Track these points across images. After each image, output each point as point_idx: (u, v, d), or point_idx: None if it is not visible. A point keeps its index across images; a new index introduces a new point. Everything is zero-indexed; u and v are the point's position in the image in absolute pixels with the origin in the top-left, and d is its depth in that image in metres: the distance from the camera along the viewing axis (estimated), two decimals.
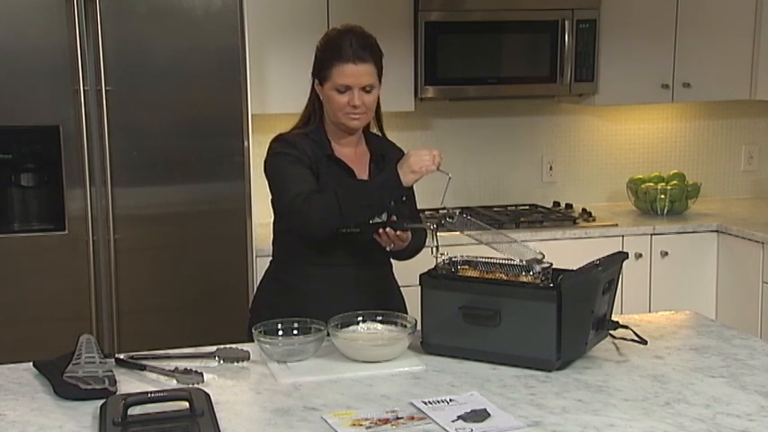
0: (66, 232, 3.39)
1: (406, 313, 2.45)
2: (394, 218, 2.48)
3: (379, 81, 2.53)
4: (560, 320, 2.09)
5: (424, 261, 2.39)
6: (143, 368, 2.14)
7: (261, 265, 3.18)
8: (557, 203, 4.43)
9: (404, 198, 2.56)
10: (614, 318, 2.28)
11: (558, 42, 4.03)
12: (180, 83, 3.43)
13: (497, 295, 2.15)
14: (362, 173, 2.56)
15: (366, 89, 2.47)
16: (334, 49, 2.47)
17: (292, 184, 2.45)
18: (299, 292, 2.53)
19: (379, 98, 2.57)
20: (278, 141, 2.55)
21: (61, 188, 3.37)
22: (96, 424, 1.83)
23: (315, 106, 2.56)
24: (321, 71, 2.50)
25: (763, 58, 4.28)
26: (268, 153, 2.54)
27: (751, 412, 1.87)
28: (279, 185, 2.49)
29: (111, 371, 2.06)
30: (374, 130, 2.69)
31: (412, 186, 2.57)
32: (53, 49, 3.30)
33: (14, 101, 3.30)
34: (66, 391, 1.98)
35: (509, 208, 4.38)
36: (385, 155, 2.60)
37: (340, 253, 2.51)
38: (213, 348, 2.25)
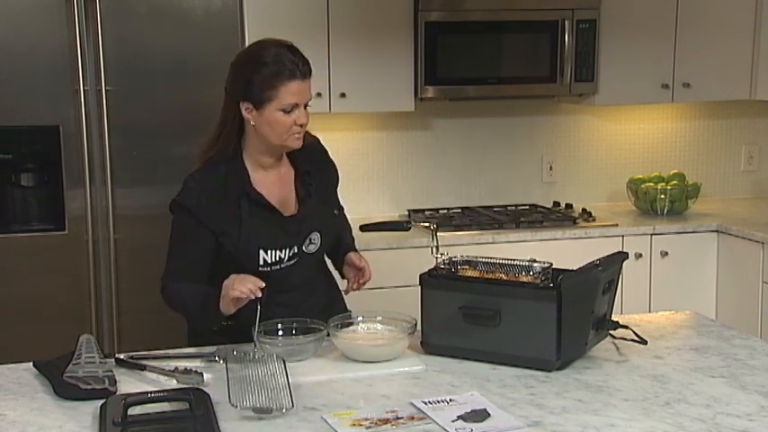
0: (66, 232, 3.39)
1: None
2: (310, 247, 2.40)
3: None
4: (560, 320, 2.09)
5: (424, 261, 2.39)
6: (143, 368, 2.14)
7: None
8: (557, 203, 4.43)
9: (335, 212, 2.51)
10: (614, 318, 2.28)
11: (558, 42, 4.03)
12: (180, 83, 3.43)
13: (497, 295, 2.15)
14: (287, 200, 2.39)
15: (306, 106, 2.33)
16: (277, 67, 2.26)
17: (172, 259, 2.35)
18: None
19: None
20: (188, 181, 2.34)
21: (61, 188, 3.38)
22: (96, 424, 1.83)
23: (232, 134, 2.34)
24: (260, 93, 2.26)
25: (763, 58, 4.28)
26: (180, 192, 2.34)
27: (751, 412, 1.87)
28: (169, 249, 2.37)
29: (111, 371, 2.06)
30: None
31: (337, 179, 2.56)
32: (53, 49, 3.30)
33: (14, 101, 3.30)
34: (67, 391, 1.98)
35: (509, 208, 4.38)
36: (310, 170, 2.43)
37: (285, 281, 2.38)
38: (213, 348, 2.25)
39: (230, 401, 1.85)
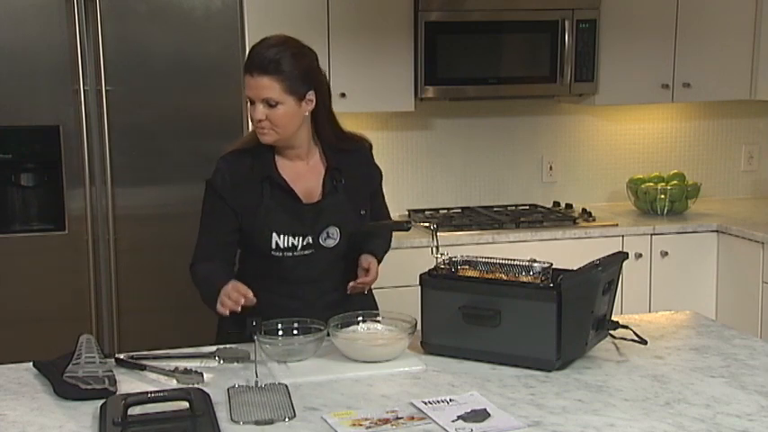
0: (67, 232, 3.39)
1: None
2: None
3: (300, 97, 2.34)
4: (560, 320, 2.09)
5: (424, 261, 2.39)
6: (143, 368, 2.14)
7: None
8: (557, 203, 4.43)
9: (362, 212, 2.49)
10: (614, 318, 2.28)
11: (558, 42, 4.03)
12: (180, 83, 3.43)
13: (497, 295, 2.15)
14: (312, 191, 2.44)
15: (270, 103, 2.31)
16: (246, 59, 2.35)
17: (201, 236, 2.46)
18: (264, 309, 2.39)
19: (321, 109, 2.42)
20: (219, 162, 2.45)
21: (61, 188, 3.38)
22: (96, 424, 1.83)
23: None
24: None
25: (763, 58, 4.28)
26: (212, 173, 2.45)
27: (751, 412, 1.87)
28: (199, 228, 2.47)
29: (111, 371, 2.06)
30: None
31: (380, 189, 2.60)
32: (53, 49, 3.30)
33: (14, 101, 3.31)
34: (67, 391, 1.98)
35: (509, 208, 4.38)
36: (342, 168, 2.47)
37: (299, 271, 2.43)
38: (213, 348, 2.26)
39: (231, 419, 1.84)
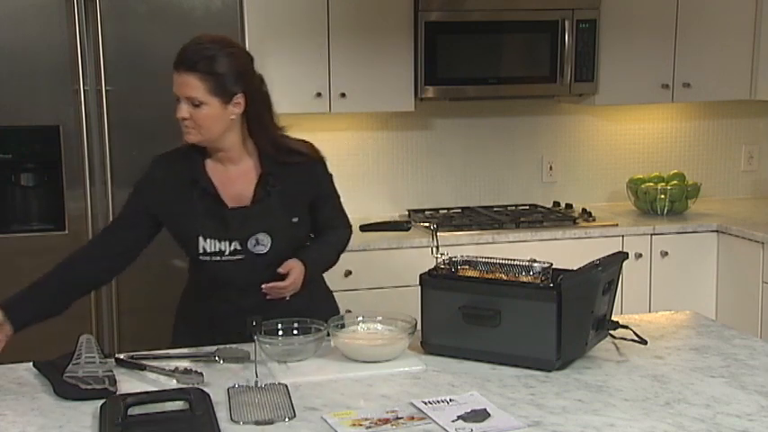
0: (67, 232, 3.39)
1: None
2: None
3: (226, 99, 2.27)
4: (560, 320, 2.09)
5: (424, 261, 2.39)
6: (143, 368, 2.14)
7: None
8: (557, 203, 4.43)
9: (294, 220, 2.39)
10: (614, 318, 2.28)
11: (558, 42, 4.03)
12: None
13: (497, 295, 2.15)
14: (242, 196, 2.37)
15: (194, 103, 2.25)
16: (176, 55, 2.30)
17: (120, 212, 2.47)
18: (206, 315, 2.45)
19: (264, 111, 2.36)
20: (151, 164, 2.45)
21: (61, 188, 3.38)
22: (96, 424, 1.83)
23: None
24: None
25: (763, 58, 4.28)
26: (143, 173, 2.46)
27: (751, 412, 1.87)
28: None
29: (111, 371, 2.06)
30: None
31: (328, 196, 2.50)
32: (53, 49, 3.30)
33: (14, 101, 3.30)
34: (67, 391, 1.98)
35: (509, 208, 4.38)
36: (278, 174, 2.37)
37: (230, 276, 2.37)
38: (213, 348, 2.25)
39: (231, 419, 1.84)
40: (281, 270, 2.34)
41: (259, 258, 2.36)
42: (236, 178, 2.39)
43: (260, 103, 2.37)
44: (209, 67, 2.25)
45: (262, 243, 2.36)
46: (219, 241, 2.35)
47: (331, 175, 2.53)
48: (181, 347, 2.34)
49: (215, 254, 2.36)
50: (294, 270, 2.35)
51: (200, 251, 2.36)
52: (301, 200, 2.44)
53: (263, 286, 2.33)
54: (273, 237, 2.37)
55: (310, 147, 2.49)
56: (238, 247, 2.35)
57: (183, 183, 2.37)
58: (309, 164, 2.46)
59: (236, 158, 2.39)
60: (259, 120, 2.37)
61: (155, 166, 2.45)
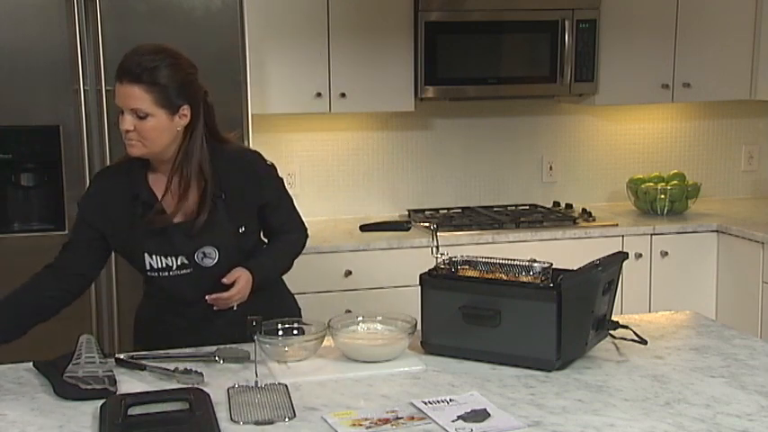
0: (66, 232, 3.39)
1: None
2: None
3: (173, 111, 2.22)
4: (560, 320, 2.09)
5: (424, 261, 2.39)
6: (143, 368, 2.14)
7: None
8: (557, 203, 4.43)
9: (241, 230, 2.34)
10: (614, 318, 2.28)
11: (558, 42, 4.03)
12: None
13: (497, 295, 2.15)
14: (187, 209, 2.31)
15: (139, 114, 2.18)
16: (119, 65, 2.21)
17: (71, 234, 2.41)
18: (160, 326, 2.44)
19: (205, 124, 2.30)
20: (92, 180, 2.44)
21: (61, 188, 3.38)
22: (96, 424, 1.83)
23: None
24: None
25: (763, 58, 4.28)
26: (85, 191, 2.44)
27: (751, 412, 1.87)
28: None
29: (111, 371, 2.06)
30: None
31: (277, 197, 2.43)
32: (53, 49, 3.30)
33: (14, 101, 3.30)
34: (67, 391, 1.98)
35: (509, 208, 4.38)
36: (222, 183, 2.32)
37: (180, 291, 2.35)
38: (213, 348, 2.25)
39: (231, 419, 1.84)
40: (225, 280, 2.29)
41: (207, 271, 2.32)
42: (178, 189, 2.31)
43: (205, 114, 2.31)
44: (154, 77, 2.18)
45: (209, 256, 2.32)
46: (165, 257, 2.31)
47: (281, 180, 2.48)
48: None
49: (162, 269, 2.33)
50: (240, 279, 2.30)
51: (148, 267, 2.33)
52: (247, 208, 2.38)
53: (207, 297, 2.29)
54: (220, 249, 2.32)
55: (256, 155, 2.45)
56: (185, 261, 2.31)
57: (125, 198, 2.31)
58: (253, 172, 2.40)
59: (172, 166, 2.30)
60: (201, 132, 2.29)
61: (95, 182, 2.41)
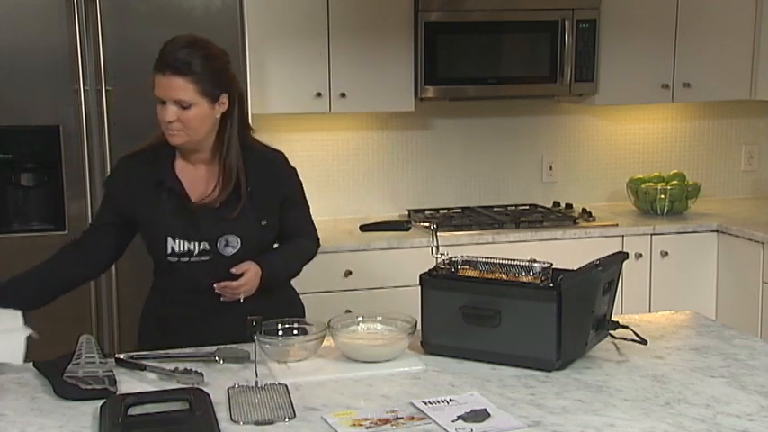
0: (66, 232, 3.39)
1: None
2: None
3: (214, 99, 2.29)
4: (560, 320, 2.09)
5: (424, 261, 2.39)
6: (143, 368, 2.14)
7: None
8: (557, 203, 4.43)
9: (263, 223, 2.39)
10: (614, 318, 2.28)
11: (558, 42, 4.03)
12: None
13: (497, 295, 2.15)
14: (210, 198, 2.36)
15: (182, 105, 2.24)
16: (158, 56, 2.27)
17: (95, 217, 2.51)
18: (170, 318, 2.45)
19: (239, 112, 2.37)
20: (117, 163, 2.48)
21: (61, 188, 3.37)
22: (96, 424, 1.83)
23: None
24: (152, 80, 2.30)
25: (763, 58, 4.28)
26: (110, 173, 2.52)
27: (751, 412, 1.87)
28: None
29: (111, 371, 2.06)
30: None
31: (296, 200, 2.48)
32: (53, 49, 3.30)
33: (14, 101, 3.30)
34: (66, 391, 1.98)
35: (509, 208, 4.38)
36: (245, 174, 2.37)
37: (197, 278, 2.35)
38: (213, 348, 2.25)
39: (231, 419, 1.84)
40: (234, 270, 2.32)
41: (226, 260, 2.34)
42: (206, 179, 2.39)
43: (239, 103, 2.38)
44: (197, 68, 2.24)
45: (231, 245, 2.35)
46: (189, 241, 2.34)
47: (301, 184, 2.52)
48: (147, 350, 2.32)
49: (183, 254, 2.35)
50: (249, 271, 2.32)
51: (169, 251, 2.35)
52: (271, 203, 2.42)
53: (215, 285, 2.31)
54: (243, 238, 2.36)
55: (282, 154, 2.50)
56: (207, 248, 2.34)
57: (150, 183, 2.37)
58: (279, 168, 2.47)
59: (209, 159, 2.39)
60: (237, 120, 2.37)
61: (120, 166, 2.46)
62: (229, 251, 2.35)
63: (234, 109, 2.35)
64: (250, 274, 2.32)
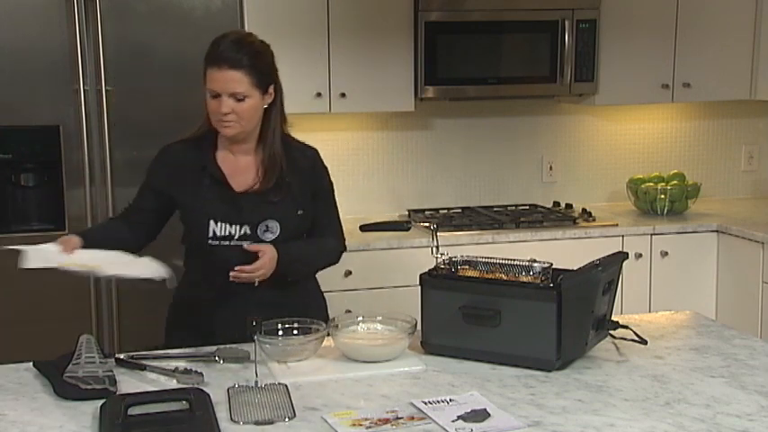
0: (66, 232, 3.38)
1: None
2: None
3: (265, 90, 2.39)
4: (560, 320, 2.09)
5: (424, 261, 2.39)
6: (143, 368, 2.14)
7: None
8: (557, 203, 4.43)
9: (300, 212, 2.46)
10: (614, 318, 2.28)
11: (558, 42, 4.03)
12: (180, 83, 3.42)
13: (497, 295, 2.15)
14: (251, 185, 2.44)
15: (237, 97, 2.34)
16: (208, 52, 2.39)
17: (133, 200, 2.58)
18: (203, 306, 2.48)
19: (280, 103, 2.47)
20: (160, 150, 2.54)
21: (61, 188, 3.38)
22: (96, 424, 1.83)
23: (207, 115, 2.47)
24: (203, 75, 2.40)
25: (763, 58, 4.28)
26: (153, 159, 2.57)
27: (751, 412, 1.87)
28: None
29: (111, 371, 2.06)
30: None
31: (326, 195, 2.55)
32: (53, 49, 3.30)
33: (14, 101, 3.30)
34: (66, 391, 1.98)
35: (509, 208, 4.38)
36: (283, 164, 2.45)
37: (236, 262, 2.36)
38: (213, 348, 2.25)
39: (231, 419, 1.84)
40: (248, 247, 2.37)
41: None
42: (245, 168, 2.46)
43: (281, 94, 2.47)
44: (251, 61, 2.35)
45: (271, 230, 2.42)
46: (230, 225, 2.41)
47: (333, 184, 2.60)
48: (177, 347, 2.33)
49: (224, 238, 2.40)
50: (265, 254, 2.36)
51: (210, 235, 2.41)
52: (305, 193, 2.49)
53: (230, 273, 2.34)
54: (282, 225, 2.42)
55: (316, 150, 2.58)
56: (248, 232, 2.41)
57: (193, 169, 2.45)
58: (314, 161, 2.55)
59: (250, 150, 2.47)
60: (278, 111, 2.47)
61: (164, 152, 2.53)
62: (269, 237, 2.41)
63: (278, 100, 2.45)
64: (266, 258, 2.36)
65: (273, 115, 2.45)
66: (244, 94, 2.34)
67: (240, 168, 2.46)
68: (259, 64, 2.37)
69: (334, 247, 2.60)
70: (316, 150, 2.57)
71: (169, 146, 2.53)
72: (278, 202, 2.43)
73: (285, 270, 2.41)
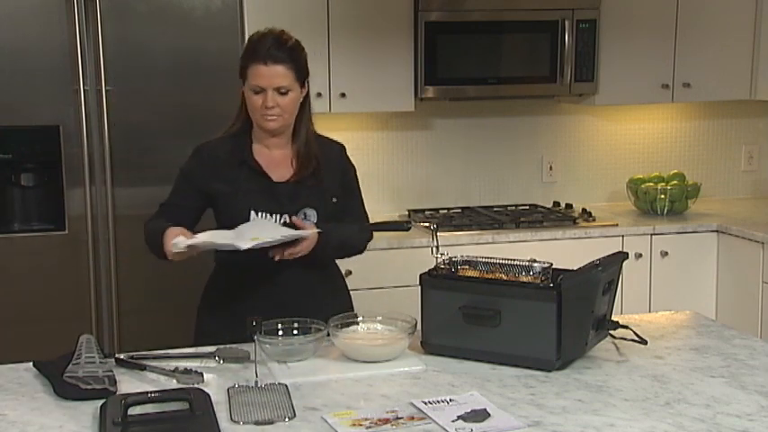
0: (66, 232, 3.39)
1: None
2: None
3: (303, 84, 2.51)
4: (560, 320, 2.09)
5: (424, 261, 2.39)
6: (143, 368, 2.14)
7: None
8: (557, 203, 4.43)
9: (334, 200, 2.56)
10: (614, 318, 2.28)
11: (558, 42, 4.03)
12: (180, 83, 3.43)
13: (497, 295, 2.16)
14: (286, 177, 2.53)
15: (281, 91, 2.44)
16: (250, 50, 2.48)
17: (161, 206, 2.60)
18: (236, 297, 2.53)
19: (308, 99, 2.57)
20: (195, 149, 2.60)
21: (61, 188, 3.38)
22: (96, 424, 1.83)
23: (243, 107, 2.55)
24: (241, 72, 2.50)
25: (763, 58, 4.28)
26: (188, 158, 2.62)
27: (751, 412, 1.87)
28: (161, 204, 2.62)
29: (111, 371, 2.06)
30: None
31: (354, 185, 2.63)
32: (53, 49, 3.30)
33: (14, 101, 3.30)
34: (66, 391, 1.98)
35: (509, 208, 4.38)
36: (315, 156, 2.55)
37: (268, 260, 2.42)
38: (213, 348, 2.26)
39: (231, 419, 1.84)
40: (295, 220, 2.44)
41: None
42: (280, 161, 2.54)
43: (310, 88, 2.57)
44: (291, 56, 2.46)
45: (309, 218, 2.49)
46: (271, 214, 2.48)
47: (358, 179, 2.68)
48: (207, 339, 2.39)
49: None
50: (306, 239, 2.42)
51: None
52: (336, 185, 2.58)
53: (276, 257, 2.39)
54: (318, 213, 2.51)
55: (344, 146, 2.69)
56: (287, 220, 2.47)
57: (230, 164, 2.51)
58: (342, 154, 2.66)
59: (284, 143, 2.55)
60: (309, 105, 2.57)
61: (200, 150, 2.58)
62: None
63: (309, 94, 2.56)
64: (310, 241, 2.42)
65: (306, 109, 2.56)
66: (287, 87, 2.44)
67: (276, 161, 2.53)
68: (298, 59, 2.48)
69: (363, 236, 2.68)
70: (342, 145, 2.67)
71: (204, 144, 2.59)
72: (313, 191, 2.51)
73: (321, 251, 2.47)
